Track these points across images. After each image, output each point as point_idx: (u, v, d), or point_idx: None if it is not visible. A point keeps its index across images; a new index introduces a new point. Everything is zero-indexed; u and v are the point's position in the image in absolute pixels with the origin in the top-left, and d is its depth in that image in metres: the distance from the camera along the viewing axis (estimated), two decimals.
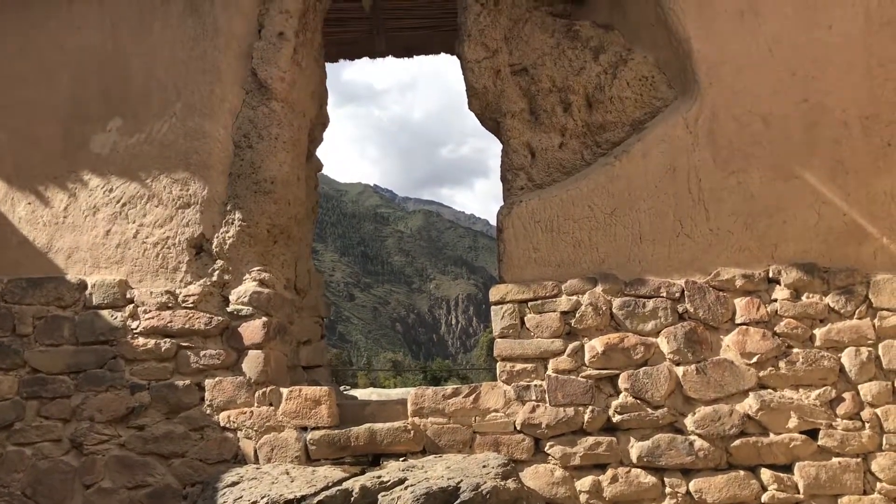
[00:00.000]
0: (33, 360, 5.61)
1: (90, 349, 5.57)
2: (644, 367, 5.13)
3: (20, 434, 5.54)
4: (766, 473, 4.89)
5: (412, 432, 5.25)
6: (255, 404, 5.39)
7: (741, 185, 5.30)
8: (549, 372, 5.24)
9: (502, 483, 4.44)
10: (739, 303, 5.15)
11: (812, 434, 4.92)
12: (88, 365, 5.54)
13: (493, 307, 5.48)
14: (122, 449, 5.44)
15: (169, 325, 5.51)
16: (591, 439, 5.11)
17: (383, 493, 4.27)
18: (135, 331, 5.55)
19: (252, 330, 5.47)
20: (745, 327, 5.10)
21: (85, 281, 5.69)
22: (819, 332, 5.04)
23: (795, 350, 5.02)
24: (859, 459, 4.83)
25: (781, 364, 5.00)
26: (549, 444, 5.17)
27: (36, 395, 5.56)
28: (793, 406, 4.93)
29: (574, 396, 5.17)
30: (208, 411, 5.41)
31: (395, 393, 6.55)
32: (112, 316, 5.59)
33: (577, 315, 5.27)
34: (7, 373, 5.62)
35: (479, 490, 4.25)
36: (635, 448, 5.05)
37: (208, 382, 5.44)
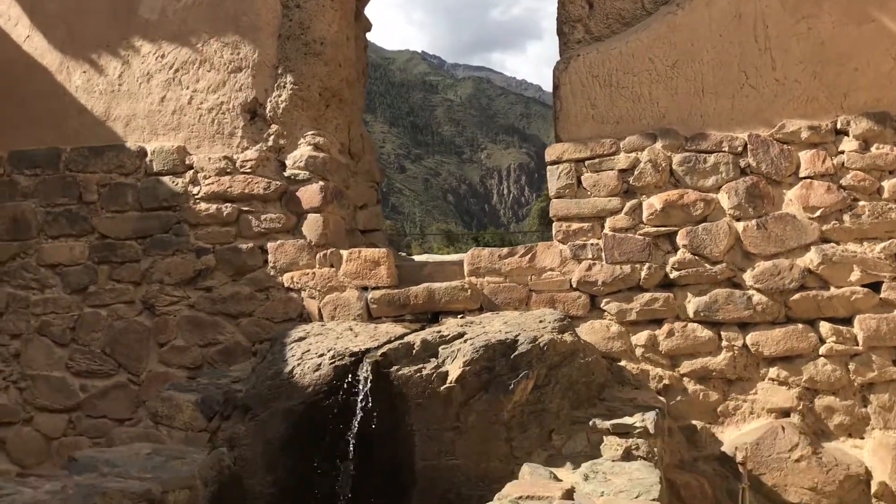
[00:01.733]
0: (101, 226, 5.80)
1: (154, 215, 5.73)
2: (703, 224, 5.07)
3: (95, 297, 5.81)
4: (824, 326, 4.89)
5: (469, 291, 5.35)
6: (317, 266, 5.52)
7: (811, 31, 5.03)
8: (606, 230, 5.23)
9: (559, 336, 4.52)
10: (804, 156, 4.99)
11: (874, 287, 4.86)
12: (154, 230, 5.72)
13: (548, 167, 5.42)
14: (192, 310, 5.68)
15: (229, 190, 5.61)
16: (647, 295, 5.14)
17: (443, 346, 4.39)
18: (196, 196, 5.67)
19: (310, 194, 5.54)
20: (809, 181, 4.97)
21: (144, 148, 5.78)
22: (888, 185, 4.88)
23: (861, 203, 4.89)
24: None
25: (846, 217, 4.89)
26: (604, 300, 5.22)
27: (106, 259, 5.79)
28: (856, 259, 4.86)
29: (631, 254, 5.17)
30: (272, 273, 5.57)
31: (449, 258, 6.63)
32: (173, 182, 5.71)
33: (635, 172, 5.19)
34: (78, 239, 5.84)
35: (537, 342, 4.35)
36: (692, 303, 5.07)
37: (270, 245, 5.58)
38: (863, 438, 4.80)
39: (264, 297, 5.59)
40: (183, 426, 4.49)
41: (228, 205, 5.62)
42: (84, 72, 5.93)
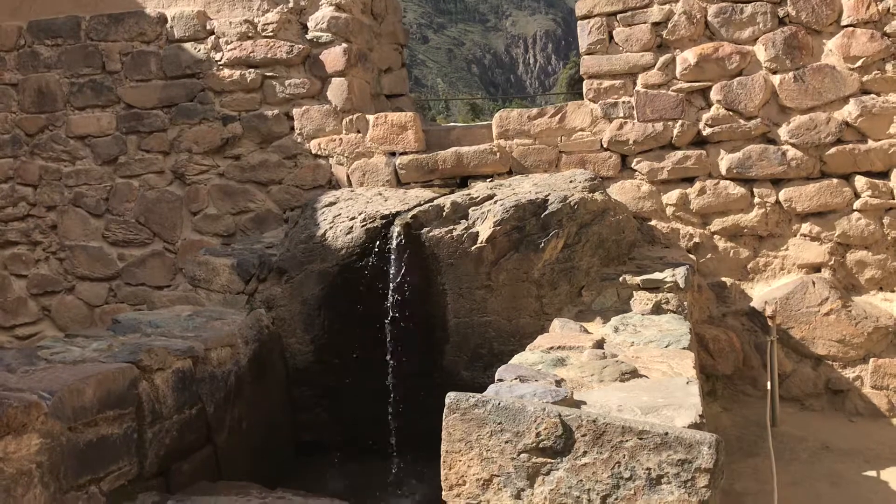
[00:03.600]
0: (126, 95, 5.77)
1: (178, 83, 5.67)
2: (738, 78, 4.91)
3: (125, 167, 5.85)
4: (860, 181, 4.80)
5: (498, 154, 5.30)
6: (344, 131, 5.48)
7: None
8: (638, 87, 5.09)
9: (589, 195, 4.50)
10: (847, 2, 4.75)
11: None
12: (179, 98, 5.67)
13: (579, 22, 5.23)
14: (222, 178, 5.71)
15: (251, 55, 5.51)
16: (679, 153, 5.06)
17: (473, 208, 4.40)
18: (219, 63, 5.59)
19: (333, 57, 5.43)
20: (851, 29, 4.75)
21: (164, 13, 5.65)
22: None
23: None
24: None
25: (888, 67, 4.70)
26: (635, 159, 5.15)
27: (134, 129, 5.79)
28: None
29: (663, 111, 5.05)
30: (299, 139, 5.55)
31: (477, 123, 6.54)
32: (195, 49, 5.61)
33: (669, 25, 4.99)
34: (104, 109, 5.83)
35: (567, 202, 4.33)
36: (725, 160, 4.98)
37: (296, 111, 5.53)
38: (893, 292, 4.80)
39: (292, 164, 5.59)
40: (221, 289, 4.60)
41: (252, 70, 5.54)
42: None
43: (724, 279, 5.07)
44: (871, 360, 4.70)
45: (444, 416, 2.37)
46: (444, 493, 2.37)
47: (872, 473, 3.99)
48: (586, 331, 3.78)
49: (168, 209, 5.79)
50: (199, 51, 5.60)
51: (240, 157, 5.65)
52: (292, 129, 5.55)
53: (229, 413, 3.87)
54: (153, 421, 3.33)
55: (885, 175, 4.79)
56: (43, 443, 2.79)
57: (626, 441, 2.19)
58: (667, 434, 2.16)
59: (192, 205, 5.76)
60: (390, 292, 4.13)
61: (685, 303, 4.12)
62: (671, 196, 5.10)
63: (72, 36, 5.83)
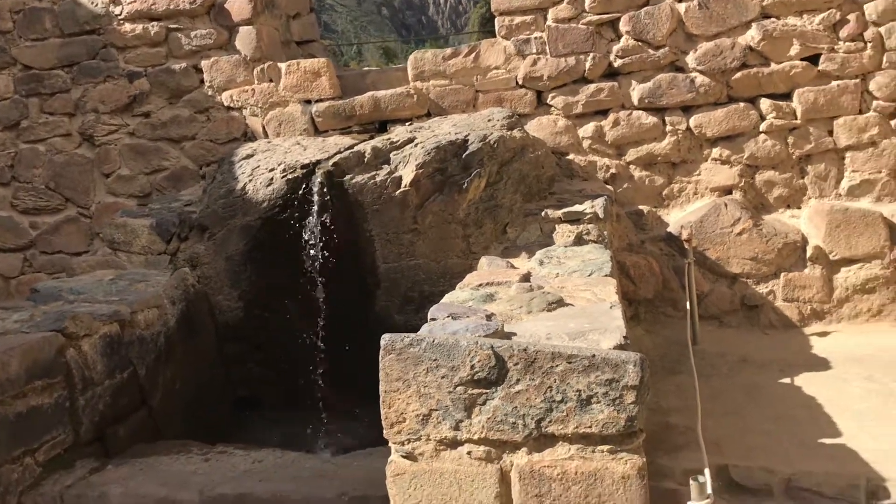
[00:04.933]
0: (22, 56, 5.50)
1: (78, 40, 5.43)
2: (645, 8, 4.99)
3: (29, 132, 5.61)
4: (765, 103, 4.98)
5: (415, 96, 5.28)
6: (256, 81, 5.36)
7: None
8: (549, 22, 5.12)
9: (508, 133, 4.55)
10: None
11: (813, 60, 4.91)
12: (80, 57, 5.44)
13: None
14: (133, 137, 5.54)
15: (153, 7, 5.31)
16: (592, 86, 5.14)
17: (395, 152, 4.40)
18: (119, 17, 5.37)
19: (239, 4, 5.28)
20: None
21: None
22: None
23: None
24: (858, 80, 4.87)
25: None
26: (551, 95, 5.21)
27: (34, 91, 5.54)
28: (795, 33, 4.87)
29: (575, 45, 5.10)
30: (210, 92, 5.41)
31: (392, 66, 6.49)
32: (92, 3, 5.37)
33: None
34: (0, 72, 5.54)
35: (487, 140, 4.37)
36: (636, 91, 5.09)
37: (204, 64, 5.38)
38: (800, 208, 5.04)
39: (205, 118, 5.45)
40: (142, 250, 4.51)
41: (155, 23, 5.34)
42: None
43: (641, 207, 5.22)
44: (782, 274, 4.94)
45: (380, 358, 2.41)
46: (385, 431, 2.42)
47: (787, 381, 4.23)
48: (513, 266, 3.86)
49: (79, 173, 5.60)
50: (97, 5, 5.36)
51: (149, 115, 5.48)
52: (202, 81, 5.40)
53: (162, 374, 3.84)
54: (84, 388, 3.29)
55: (787, 96, 4.98)
56: None
57: (557, 366, 2.28)
58: (594, 356, 2.26)
59: (103, 167, 5.58)
60: (316, 242, 4.13)
61: (605, 232, 4.24)
62: (587, 129, 5.19)
63: None
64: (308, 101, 5.33)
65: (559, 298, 3.02)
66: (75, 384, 3.24)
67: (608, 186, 5.11)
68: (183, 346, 4.05)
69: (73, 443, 3.21)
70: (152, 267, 4.43)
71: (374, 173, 4.27)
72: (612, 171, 5.21)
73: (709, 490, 2.07)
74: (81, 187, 5.60)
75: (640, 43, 5.02)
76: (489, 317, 2.80)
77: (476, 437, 2.35)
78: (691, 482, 2.07)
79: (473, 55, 5.25)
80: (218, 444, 3.45)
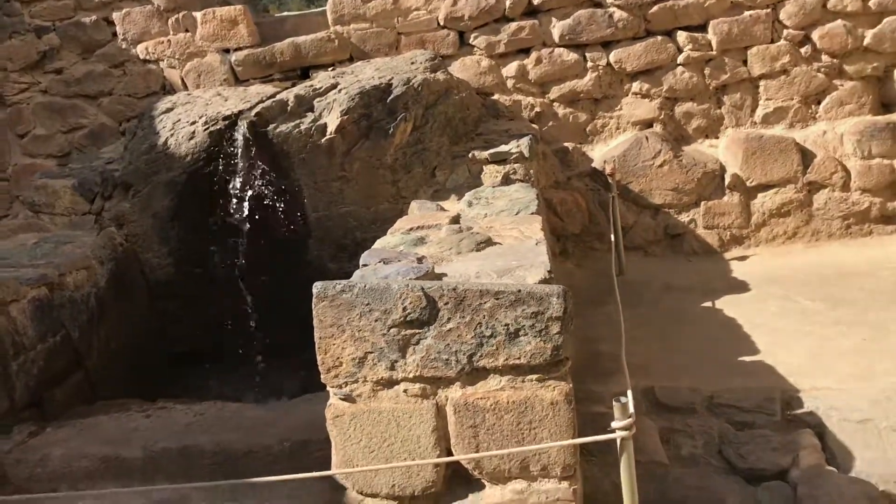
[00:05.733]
0: None
1: None
2: None
3: None
4: (681, 36, 5.08)
5: (336, 41, 5.22)
6: (171, 32, 5.23)
7: None
8: None
9: (432, 76, 4.55)
10: None
11: None
12: None
13: None
14: (46, 95, 5.36)
15: None
16: (513, 25, 5.16)
17: (318, 99, 4.36)
18: None
19: None
20: None
21: None
22: None
23: None
24: (769, 10, 5.01)
25: None
26: (473, 35, 5.22)
27: None
28: None
29: None
30: (124, 46, 5.25)
31: (312, 11, 6.36)
32: None
33: None
34: None
35: (411, 84, 4.37)
36: (557, 28, 5.13)
37: (116, 16, 5.21)
38: (718, 138, 5.21)
39: (121, 72, 5.30)
40: (65, 211, 4.41)
41: None
42: None
43: (566, 144, 5.31)
44: (703, 203, 5.12)
45: (313, 306, 2.45)
46: (322, 376, 2.48)
47: (709, 304, 4.43)
48: (443, 209, 3.91)
49: None
50: None
51: (62, 71, 5.30)
52: (115, 34, 5.24)
53: (96, 335, 3.82)
54: (16, 353, 3.25)
55: (703, 28, 5.09)
56: None
57: (485, 303, 2.36)
58: (520, 291, 2.35)
59: (17, 127, 5.40)
60: (242, 194, 4.10)
61: (531, 171, 4.32)
62: (510, 68, 5.23)
63: None
64: (227, 51, 5.23)
65: (487, 238, 3.09)
66: (6, 350, 3.20)
67: (534, 125, 5.18)
68: (115, 305, 4.02)
69: (8, 408, 3.18)
70: (77, 228, 4.35)
71: (298, 122, 4.24)
72: (537, 109, 5.27)
73: (631, 410, 2.20)
74: None
75: None
76: (420, 260, 2.86)
77: (411, 375, 2.43)
78: (614, 403, 2.18)
79: None
80: (158, 401, 3.46)
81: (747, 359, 3.70)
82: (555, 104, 5.27)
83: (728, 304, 4.36)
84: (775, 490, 2.77)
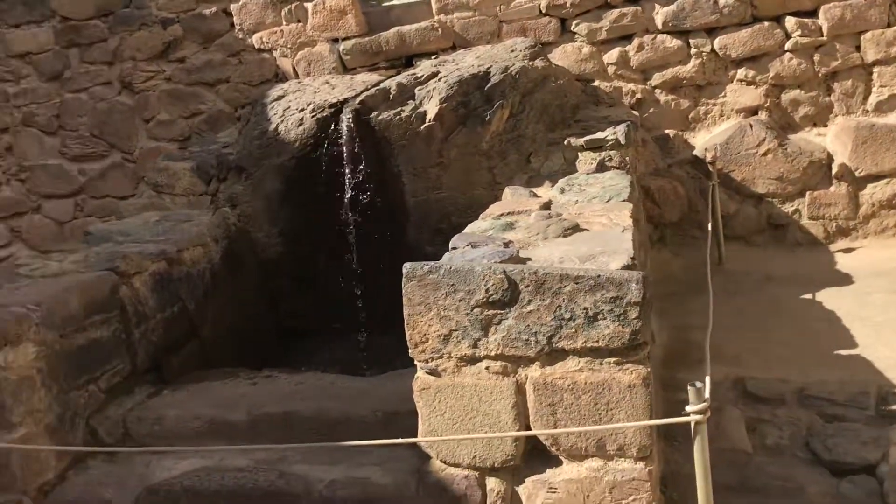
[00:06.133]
0: (60, 8, 5.70)
1: None
2: None
3: (72, 82, 5.85)
4: (790, 21, 4.94)
5: (440, 30, 5.35)
6: (284, 23, 5.49)
7: None
8: None
9: (530, 63, 4.62)
10: None
11: None
12: (114, 6, 5.63)
13: None
14: (170, 83, 5.74)
15: None
16: (616, 11, 5.15)
17: (419, 88, 4.51)
18: None
19: None
20: None
21: None
22: None
23: None
24: None
25: None
26: (574, 22, 5.24)
27: (74, 42, 5.75)
28: None
29: None
30: (240, 35, 5.56)
31: None
32: None
33: None
34: (40, 24, 5.75)
35: (509, 72, 4.45)
36: (660, 14, 5.09)
37: (234, 7, 5.51)
38: (826, 126, 5.05)
39: (237, 61, 5.61)
40: (184, 192, 4.74)
41: None
42: None
43: (667, 131, 5.28)
44: (808, 193, 4.99)
45: (403, 284, 2.60)
46: (410, 350, 2.64)
47: (809, 296, 4.33)
48: (535, 195, 3.99)
49: (121, 119, 5.83)
50: None
51: (184, 60, 5.66)
52: (232, 25, 5.55)
53: (210, 308, 4.11)
54: (138, 322, 3.56)
55: (813, 13, 4.94)
56: (39, 350, 3.01)
57: (565, 287, 2.45)
58: (599, 276, 2.42)
59: (143, 113, 5.80)
60: (347, 179, 4.30)
61: (627, 157, 4.33)
62: (611, 55, 5.23)
63: None
64: (335, 40, 5.45)
65: (575, 224, 3.16)
66: (130, 318, 3.51)
67: (634, 112, 5.17)
68: (228, 281, 4.31)
69: (130, 371, 3.49)
70: (195, 207, 4.67)
71: (399, 109, 4.40)
72: (638, 95, 5.25)
73: (706, 395, 2.23)
74: (124, 133, 5.85)
75: None
76: (507, 244, 2.96)
77: (493, 353, 2.54)
78: (689, 388, 2.23)
79: None
80: (264, 370, 3.71)
81: (844, 352, 3.62)
82: (656, 91, 5.24)
83: (830, 297, 4.25)
84: (860, 483, 2.74)
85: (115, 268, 3.51)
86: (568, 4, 5.17)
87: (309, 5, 5.43)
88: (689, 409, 2.25)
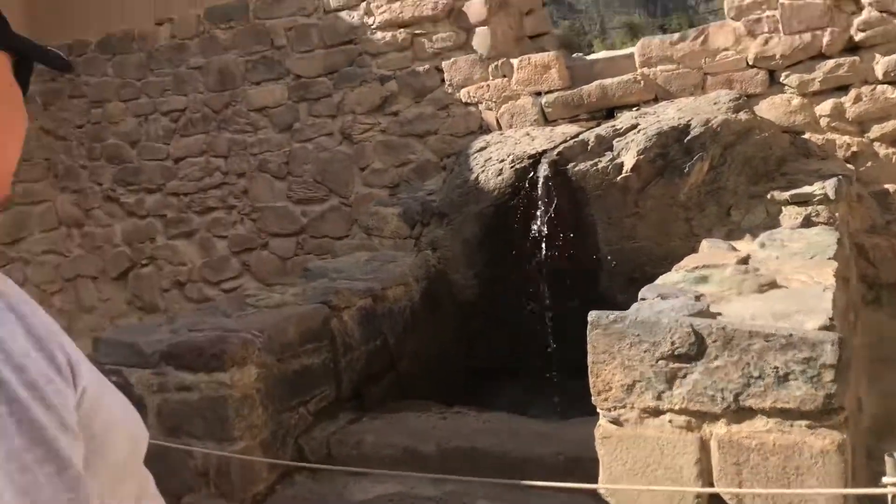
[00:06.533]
0: (294, 67, 6.36)
1: (338, 50, 6.18)
2: None
3: (300, 133, 6.48)
4: None
5: (642, 82, 5.40)
6: (490, 77, 5.78)
7: None
8: (782, 0, 5.01)
9: (733, 116, 4.56)
10: None
11: None
12: (340, 64, 6.19)
13: None
14: (384, 134, 6.20)
15: (400, 15, 5.90)
16: (830, 62, 4.95)
17: (617, 140, 4.59)
18: (372, 27, 6.03)
19: (476, 8, 5.71)
20: None
21: None
22: None
23: None
24: None
25: None
26: (784, 74, 5.09)
27: (303, 97, 6.38)
28: None
29: (810, 21, 4.94)
30: (449, 90, 5.91)
31: (620, 53, 6.61)
32: (350, 16, 6.08)
33: None
34: (276, 82, 6.45)
35: (710, 124, 4.42)
36: (881, 64, 4.83)
37: (445, 64, 5.88)
38: None
39: (445, 114, 5.97)
40: (391, 235, 5.10)
41: (402, 30, 5.94)
42: None
43: (886, 186, 4.96)
44: None
45: (588, 332, 2.68)
46: (593, 398, 2.70)
47: None
48: (734, 249, 3.92)
49: (340, 167, 6.37)
50: (354, 18, 6.06)
51: (398, 113, 6.10)
52: (442, 81, 5.92)
53: (408, 343, 4.38)
54: (345, 352, 3.88)
55: None
56: (259, 372, 3.38)
57: (754, 344, 2.41)
58: (791, 335, 2.37)
59: (360, 161, 6.31)
60: (542, 226, 4.44)
61: (836, 213, 4.13)
62: (824, 107, 5.02)
63: (242, 18, 6.47)
64: (538, 93, 5.65)
65: (772, 280, 3.09)
66: (338, 348, 3.84)
67: (849, 165, 4.91)
68: (425, 318, 4.57)
69: (335, 397, 3.81)
70: (400, 249, 5.01)
71: (596, 160, 4.49)
72: (854, 149, 4.99)
73: None
74: (342, 180, 6.38)
75: (884, 14, 4.76)
76: (697, 297, 2.95)
77: (677, 407, 2.55)
78: (886, 458, 2.11)
79: (701, 38, 5.26)
80: (454, 406, 3.90)
81: None
82: (875, 143, 4.95)
83: None
84: None
85: (327, 301, 3.87)
86: (777, 56, 5.04)
87: (515, 61, 5.69)
88: (885, 479, 2.14)
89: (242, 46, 6.52)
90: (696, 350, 2.50)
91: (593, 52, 9.85)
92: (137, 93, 7.03)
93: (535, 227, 4.51)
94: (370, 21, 6.02)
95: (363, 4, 6.02)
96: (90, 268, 7.56)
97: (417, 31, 5.90)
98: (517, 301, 4.66)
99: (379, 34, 6.01)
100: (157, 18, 6.85)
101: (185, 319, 3.87)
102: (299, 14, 6.25)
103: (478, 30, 5.74)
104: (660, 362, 2.56)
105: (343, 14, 6.10)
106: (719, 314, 2.74)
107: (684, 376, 2.53)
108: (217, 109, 6.74)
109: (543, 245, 4.49)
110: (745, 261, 3.53)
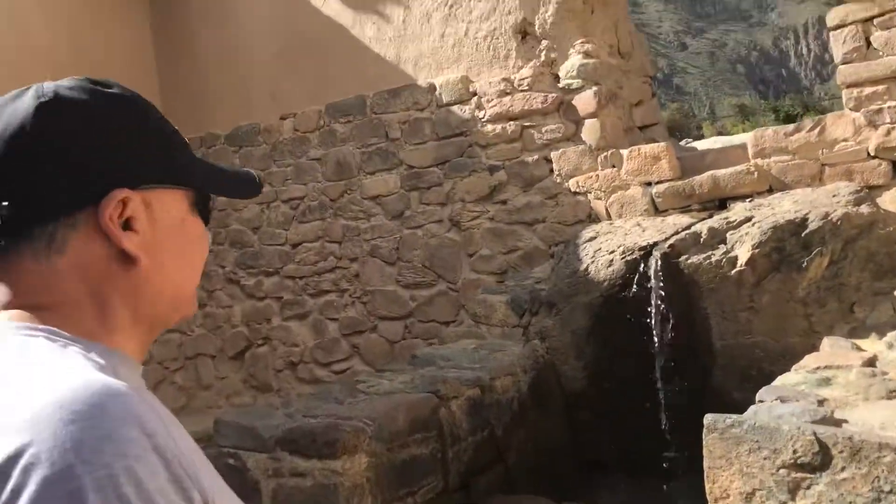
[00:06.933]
0: (407, 158, 6.61)
1: (449, 142, 6.39)
2: None
3: (410, 220, 6.68)
4: None
5: (755, 173, 5.33)
6: (599, 168, 5.84)
7: None
8: None
9: (854, 209, 4.42)
10: None
11: None
12: (450, 155, 6.39)
13: (832, 33, 5.15)
14: (492, 222, 6.31)
15: (510, 109, 6.08)
16: None
17: (731, 232, 4.52)
18: (482, 119, 6.23)
19: (585, 101, 5.82)
20: None
21: (433, 83, 6.43)
22: None
23: None
24: None
25: None
26: None
27: (415, 186, 6.60)
28: None
29: None
30: (558, 180, 5.99)
31: (737, 138, 6.56)
32: (461, 110, 6.31)
33: None
34: (390, 172, 6.72)
35: (829, 218, 4.31)
36: None
37: (554, 155, 5.99)
38: None
39: (554, 203, 6.04)
40: (499, 323, 5.14)
41: (511, 123, 6.10)
42: (373, 23, 6.68)
43: None
44: None
45: (703, 436, 2.62)
46: None
47: None
48: (859, 348, 3.75)
49: (448, 254, 6.51)
50: (465, 111, 6.29)
51: (506, 202, 6.22)
52: (551, 171, 6.01)
53: (515, 435, 4.35)
54: (452, 442, 3.89)
55: None
56: (369, 461, 3.44)
57: (884, 457, 2.30)
58: None
59: (467, 248, 6.43)
60: (653, 320, 4.39)
61: None
62: None
63: (360, 113, 6.82)
64: (648, 183, 5.66)
65: None
66: (445, 439, 3.86)
67: None
68: (533, 410, 4.54)
69: (442, 489, 3.81)
70: (507, 338, 5.03)
71: (709, 253, 4.43)
72: None
73: None
74: (450, 266, 6.50)
75: None
76: (821, 402, 2.85)
77: None
78: None
79: (818, 129, 5.17)
80: (563, 502, 3.83)
81: None
82: None
83: None
84: None
85: (436, 391, 3.92)
86: None
87: (624, 152, 5.73)
88: None
89: (359, 139, 6.85)
90: (821, 461, 2.40)
91: (702, 136, 9.79)
92: None
93: (646, 319, 4.45)
94: (481, 114, 6.23)
95: (474, 99, 6.25)
96: (210, 346, 7.91)
97: (527, 124, 6.06)
98: (627, 394, 4.58)
99: (489, 126, 6.20)
100: (282, 113, 7.30)
101: (300, 404, 3.99)
102: (413, 109, 6.54)
103: (587, 122, 5.84)
104: (781, 471, 2.46)
105: (455, 108, 6.33)
106: (844, 421, 2.62)
107: (808, 487, 2.42)
108: (333, 198, 7.05)
109: (655, 338, 4.43)
110: (871, 362, 3.37)
